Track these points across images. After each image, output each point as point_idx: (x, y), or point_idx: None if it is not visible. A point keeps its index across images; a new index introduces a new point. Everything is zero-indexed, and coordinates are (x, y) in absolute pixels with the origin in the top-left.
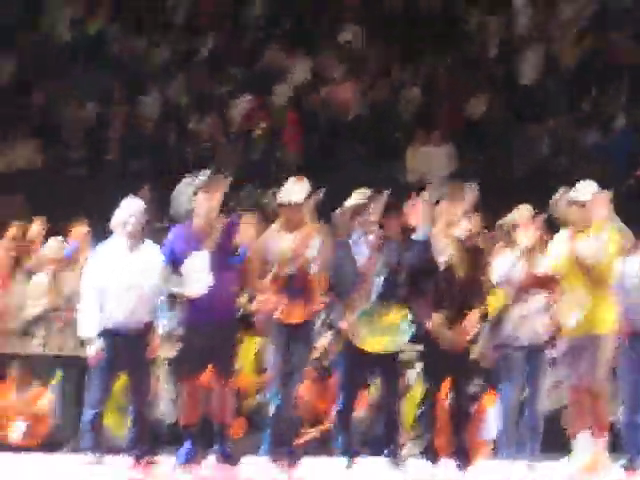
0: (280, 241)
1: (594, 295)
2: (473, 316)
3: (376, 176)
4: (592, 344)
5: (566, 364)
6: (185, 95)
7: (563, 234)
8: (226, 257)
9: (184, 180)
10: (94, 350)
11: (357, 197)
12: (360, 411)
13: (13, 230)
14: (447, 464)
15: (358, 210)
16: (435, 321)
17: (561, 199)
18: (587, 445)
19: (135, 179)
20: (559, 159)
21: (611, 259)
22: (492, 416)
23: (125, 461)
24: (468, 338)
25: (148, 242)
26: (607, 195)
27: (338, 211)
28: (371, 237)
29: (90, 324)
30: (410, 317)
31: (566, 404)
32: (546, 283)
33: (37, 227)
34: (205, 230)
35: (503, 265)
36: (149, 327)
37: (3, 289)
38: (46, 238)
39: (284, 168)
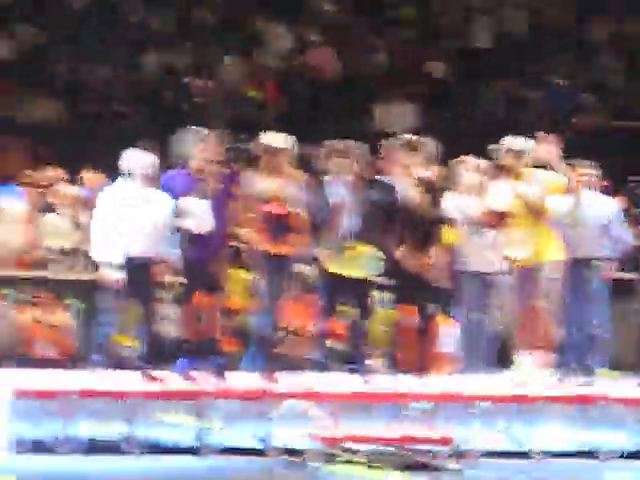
0: (261, 183)
1: (537, 229)
2: (433, 250)
3: (349, 129)
4: (540, 271)
5: (516, 290)
6: (182, 58)
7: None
8: (223, 201)
9: (187, 131)
10: (111, 275)
11: (333, 144)
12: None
13: (36, 173)
14: (408, 376)
15: (335, 154)
16: (401, 252)
17: (498, 148)
18: (528, 359)
19: (138, 131)
20: (510, 114)
21: (545, 197)
22: (445, 332)
23: (134, 374)
24: (429, 267)
25: (156, 190)
26: (548, 140)
27: (318, 152)
28: (348, 179)
29: (106, 251)
30: (377, 251)
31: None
32: (495, 219)
33: (56, 172)
34: (202, 175)
35: (459, 203)
36: (158, 257)
37: (31, 223)
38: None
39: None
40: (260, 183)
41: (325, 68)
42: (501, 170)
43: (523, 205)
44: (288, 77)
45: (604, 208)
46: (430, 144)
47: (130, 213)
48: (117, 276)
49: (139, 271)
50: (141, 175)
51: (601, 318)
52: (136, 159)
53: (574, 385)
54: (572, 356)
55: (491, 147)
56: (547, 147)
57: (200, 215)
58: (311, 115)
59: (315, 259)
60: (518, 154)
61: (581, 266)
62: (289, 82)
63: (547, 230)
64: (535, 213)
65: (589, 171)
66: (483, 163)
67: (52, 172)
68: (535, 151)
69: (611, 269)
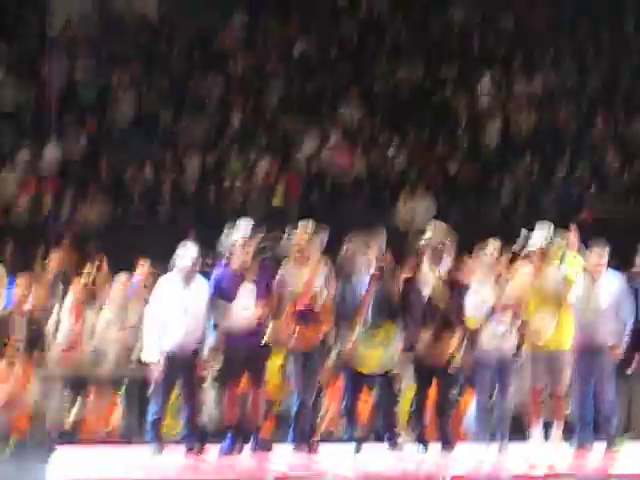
0: (293, 277)
1: (559, 315)
2: (453, 339)
3: (372, 224)
4: (557, 359)
5: (531, 373)
6: (218, 161)
7: (526, 266)
8: (262, 294)
9: (229, 229)
10: (155, 369)
11: (359, 239)
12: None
13: (87, 270)
14: (435, 449)
15: (360, 250)
16: (422, 340)
17: (523, 239)
18: (541, 434)
19: (183, 228)
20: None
21: (569, 286)
22: (471, 413)
23: (179, 453)
24: (449, 354)
25: (200, 278)
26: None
27: (344, 249)
28: (371, 271)
29: (152, 348)
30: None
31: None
32: (512, 308)
33: (105, 267)
34: (243, 269)
35: (476, 295)
36: (199, 351)
37: (78, 320)
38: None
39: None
40: (291, 277)
41: (346, 166)
42: (526, 258)
43: (547, 291)
44: (313, 175)
45: (616, 292)
46: (449, 238)
47: (177, 305)
48: (164, 367)
49: (183, 362)
50: (185, 270)
51: (611, 397)
52: (185, 253)
53: (590, 460)
54: (586, 434)
55: (520, 236)
56: (569, 236)
57: (243, 307)
58: (334, 212)
59: (343, 348)
60: (544, 242)
61: (596, 351)
62: (314, 180)
63: (568, 317)
64: (558, 299)
65: (599, 259)
66: (501, 253)
67: (101, 269)
68: (558, 240)
69: (621, 351)
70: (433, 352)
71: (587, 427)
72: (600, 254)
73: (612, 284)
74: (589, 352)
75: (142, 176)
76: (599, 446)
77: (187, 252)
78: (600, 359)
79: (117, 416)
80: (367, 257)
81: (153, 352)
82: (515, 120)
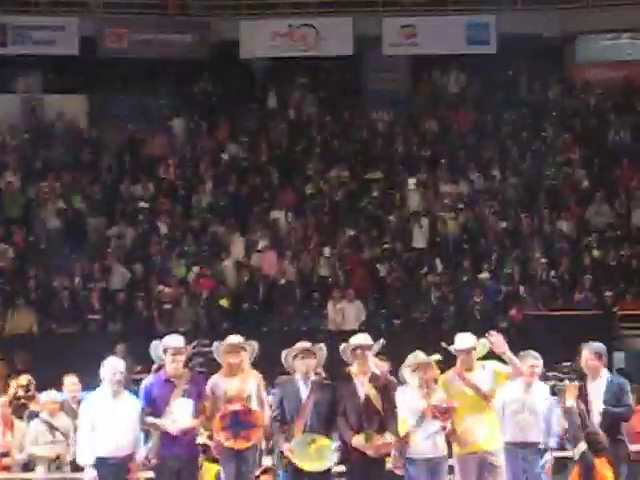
0: (225, 385)
1: (487, 416)
2: (387, 442)
3: (303, 326)
4: (488, 459)
5: (461, 477)
6: (146, 269)
7: (449, 373)
8: (194, 401)
9: (157, 342)
10: (90, 475)
11: (301, 345)
12: None
13: (14, 382)
14: None
15: (302, 354)
16: (358, 440)
17: (450, 347)
18: None
19: (112, 338)
20: (447, 312)
21: (499, 382)
22: None
23: None
24: (387, 446)
25: (126, 391)
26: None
27: (284, 354)
28: (312, 378)
29: (85, 453)
30: (335, 443)
31: None
32: (442, 411)
33: (29, 379)
34: (175, 378)
35: (406, 398)
36: (131, 456)
37: (7, 429)
38: (42, 388)
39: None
40: (223, 384)
41: (274, 271)
42: (454, 365)
43: (474, 394)
44: (243, 281)
45: (546, 396)
46: (378, 343)
47: (104, 417)
48: (98, 476)
49: (114, 470)
50: (112, 381)
51: None
52: (107, 366)
53: None
54: None
55: (444, 346)
56: (496, 340)
57: (174, 416)
58: (264, 315)
59: (281, 452)
60: (468, 351)
61: (527, 449)
62: (245, 285)
63: (494, 418)
64: (485, 401)
65: (536, 361)
66: (424, 360)
67: (26, 381)
68: (484, 345)
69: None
70: (367, 455)
71: None
72: (536, 357)
73: (544, 388)
74: (522, 450)
75: (70, 286)
76: None
77: (112, 365)
78: (533, 457)
79: None
80: (307, 363)
81: (86, 456)
82: (442, 220)
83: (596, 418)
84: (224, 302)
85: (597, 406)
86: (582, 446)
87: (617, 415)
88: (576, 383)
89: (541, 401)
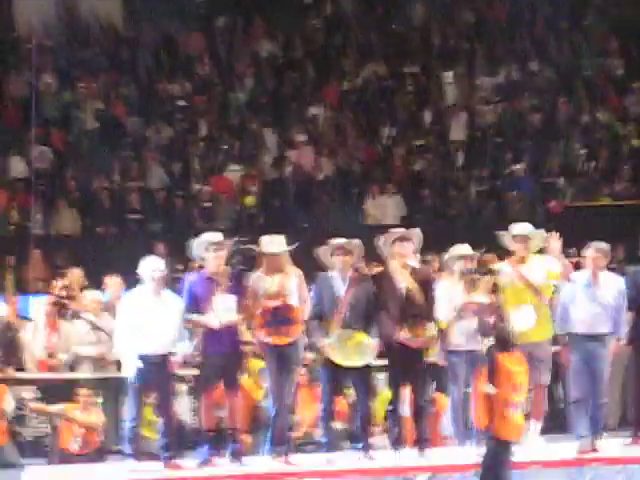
0: (265, 282)
1: (538, 308)
2: (428, 334)
3: (341, 222)
4: (537, 350)
5: None
6: (185, 168)
7: (505, 263)
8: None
9: (196, 239)
10: (129, 372)
11: (337, 241)
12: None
13: (59, 280)
14: (412, 452)
15: (338, 251)
16: (400, 332)
17: (505, 234)
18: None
19: (152, 237)
20: (488, 204)
21: (548, 279)
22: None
23: (158, 464)
24: (429, 341)
25: (167, 290)
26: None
27: (320, 251)
28: (349, 273)
29: (125, 351)
30: (374, 338)
31: None
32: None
33: (78, 276)
34: (217, 275)
35: (446, 291)
36: (173, 353)
37: (53, 330)
38: (85, 288)
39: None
40: (264, 281)
41: (311, 167)
42: (508, 255)
43: (524, 286)
44: (279, 178)
45: (614, 287)
46: (419, 235)
47: (145, 315)
48: (137, 372)
49: (156, 367)
50: (153, 279)
51: (602, 388)
52: (147, 265)
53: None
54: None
55: (500, 233)
56: (553, 245)
57: (216, 312)
58: (303, 212)
59: (319, 348)
60: (525, 239)
61: (593, 342)
62: (280, 183)
63: (546, 309)
64: (536, 294)
65: (596, 254)
66: (468, 252)
67: (73, 279)
68: (541, 236)
69: (618, 344)
70: (409, 348)
71: (583, 417)
72: (602, 250)
73: (612, 279)
74: (589, 343)
75: (110, 186)
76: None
77: (151, 264)
78: (600, 350)
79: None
80: (343, 259)
81: (126, 354)
82: (480, 113)
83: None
84: (250, 200)
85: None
86: (488, 342)
87: None
88: (488, 278)
89: (609, 293)
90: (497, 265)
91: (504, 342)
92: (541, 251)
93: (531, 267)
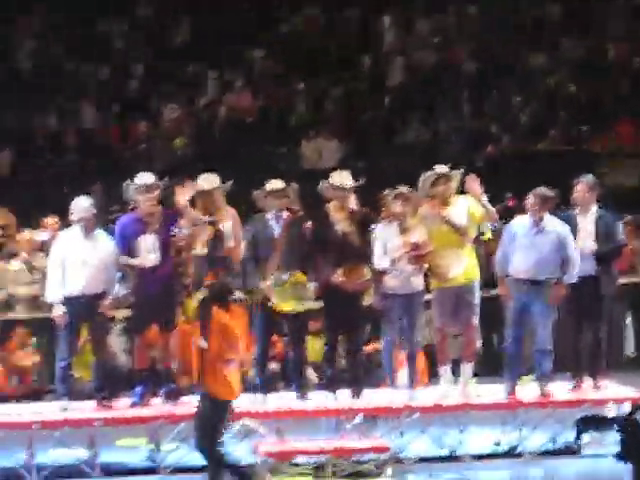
0: (201, 222)
1: (465, 251)
2: (365, 277)
3: (277, 165)
4: (465, 292)
5: (438, 311)
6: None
7: (427, 206)
8: (168, 240)
9: (132, 180)
10: (59, 313)
11: (272, 184)
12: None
13: None
14: (346, 394)
15: (274, 193)
16: (338, 275)
17: (427, 178)
18: (449, 374)
19: (88, 178)
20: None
21: (471, 221)
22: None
23: (91, 403)
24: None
25: (100, 230)
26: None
27: (257, 192)
28: (285, 215)
29: (54, 292)
30: (311, 281)
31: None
32: (418, 247)
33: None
34: (148, 216)
35: (383, 234)
36: (104, 294)
37: None
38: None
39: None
40: (199, 223)
41: (249, 110)
42: (431, 197)
43: (450, 230)
44: (214, 120)
45: (556, 232)
46: (353, 179)
47: (75, 255)
48: (67, 313)
49: (87, 308)
50: (83, 219)
51: (548, 334)
52: (77, 205)
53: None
54: (517, 368)
55: (422, 175)
56: (471, 186)
57: (148, 253)
58: (235, 155)
59: (255, 290)
60: (448, 180)
61: (533, 287)
62: (215, 125)
63: (472, 251)
64: (462, 237)
65: (539, 197)
66: (408, 192)
67: (8, 219)
68: (459, 181)
69: (562, 289)
70: (345, 291)
71: (515, 362)
72: (542, 195)
73: (554, 225)
74: (529, 289)
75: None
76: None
77: (80, 205)
78: (540, 296)
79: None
80: (278, 202)
81: (55, 294)
82: (418, 59)
83: (585, 251)
84: (179, 142)
85: (586, 240)
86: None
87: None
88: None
89: (550, 238)
90: (421, 208)
91: (221, 294)
92: (461, 193)
93: (455, 209)
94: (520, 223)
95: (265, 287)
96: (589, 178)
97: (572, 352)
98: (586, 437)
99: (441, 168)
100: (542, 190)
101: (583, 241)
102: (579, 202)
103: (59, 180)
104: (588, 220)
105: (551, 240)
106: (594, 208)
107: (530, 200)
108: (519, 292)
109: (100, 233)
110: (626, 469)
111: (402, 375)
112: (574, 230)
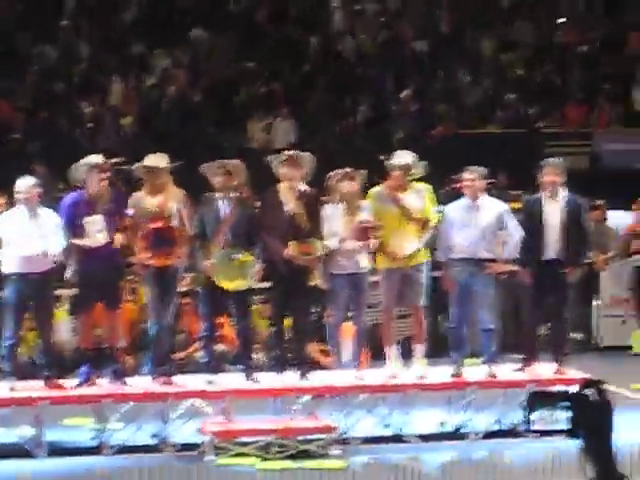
0: (146, 202)
1: (414, 233)
2: (313, 256)
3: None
4: (413, 273)
5: (385, 292)
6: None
7: (379, 189)
8: (114, 220)
9: (81, 161)
10: (7, 291)
11: (217, 163)
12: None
13: None
14: (294, 375)
15: (219, 172)
16: (288, 251)
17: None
18: (397, 355)
19: (33, 157)
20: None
21: (428, 207)
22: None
23: (37, 383)
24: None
25: (44, 208)
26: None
27: (202, 170)
28: (232, 195)
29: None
30: (257, 261)
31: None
32: (365, 230)
33: None
34: (95, 198)
35: (330, 215)
36: (51, 271)
37: None
38: None
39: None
40: (144, 202)
41: (193, 89)
42: (390, 182)
43: (405, 213)
44: (162, 98)
45: (492, 210)
46: (308, 159)
47: (19, 234)
48: (13, 292)
49: (32, 286)
50: (25, 198)
51: (490, 313)
52: (20, 184)
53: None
54: (462, 349)
55: (382, 159)
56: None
57: (94, 232)
58: (185, 134)
59: (201, 269)
60: (406, 168)
61: (473, 266)
62: (163, 103)
63: (420, 235)
64: (413, 222)
65: (476, 176)
66: (355, 174)
67: None
68: (424, 167)
69: (500, 267)
70: (293, 270)
71: (460, 342)
72: (473, 172)
73: (492, 203)
74: (469, 268)
75: None
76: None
77: (22, 184)
78: (481, 275)
79: None
80: (224, 181)
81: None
82: (365, 38)
83: (552, 236)
84: (127, 121)
85: (554, 224)
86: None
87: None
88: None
89: (488, 216)
90: (373, 189)
91: None
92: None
93: (409, 195)
94: (456, 206)
95: (210, 266)
96: (557, 162)
97: (528, 335)
98: (535, 413)
99: (402, 156)
100: (475, 168)
101: (551, 226)
102: (547, 186)
103: (4, 160)
104: (556, 204)
105: (489, 217)
106: (563, 192)
107: (464, 178)
108: (459, 272)
109: (45, 211)
110: (574, 445)
111: (347, 351)
112: (540, 215)
